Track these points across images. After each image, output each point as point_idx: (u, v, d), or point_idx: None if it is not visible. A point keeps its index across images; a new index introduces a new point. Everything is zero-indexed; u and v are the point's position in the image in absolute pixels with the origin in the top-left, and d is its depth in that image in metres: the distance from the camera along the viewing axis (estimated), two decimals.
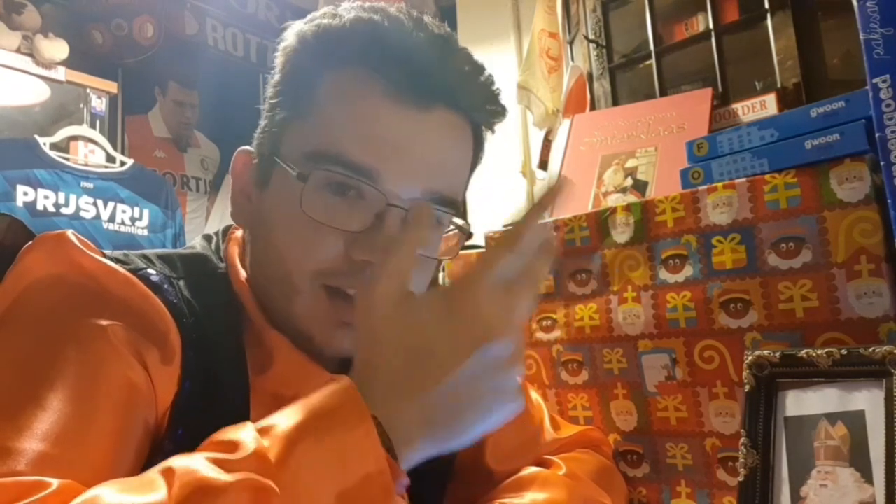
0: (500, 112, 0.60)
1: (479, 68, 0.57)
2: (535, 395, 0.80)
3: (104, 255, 0.51)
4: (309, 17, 0.56)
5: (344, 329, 0.53)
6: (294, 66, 0.56)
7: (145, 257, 0.54)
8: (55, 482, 0.36)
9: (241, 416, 0.51)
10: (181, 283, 0.53)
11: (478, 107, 0.57)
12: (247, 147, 0.59)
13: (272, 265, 0.55)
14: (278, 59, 0.57)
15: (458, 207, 0.57)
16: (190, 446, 0.48)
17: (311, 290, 0.52)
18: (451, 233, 0.58)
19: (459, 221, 0.58)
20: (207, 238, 0.62)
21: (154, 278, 0.51)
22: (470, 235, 0.59)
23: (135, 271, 0.51)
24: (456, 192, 0.57)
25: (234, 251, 0.59)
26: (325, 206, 0.51)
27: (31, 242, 0.50)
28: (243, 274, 0.57)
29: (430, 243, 0.47)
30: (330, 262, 0.52)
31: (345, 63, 0.53)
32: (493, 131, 0.62)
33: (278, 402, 0.53)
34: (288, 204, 0.53)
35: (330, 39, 0.54)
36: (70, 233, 0.50)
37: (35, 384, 0.42)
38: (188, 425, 0.48)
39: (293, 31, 0.57)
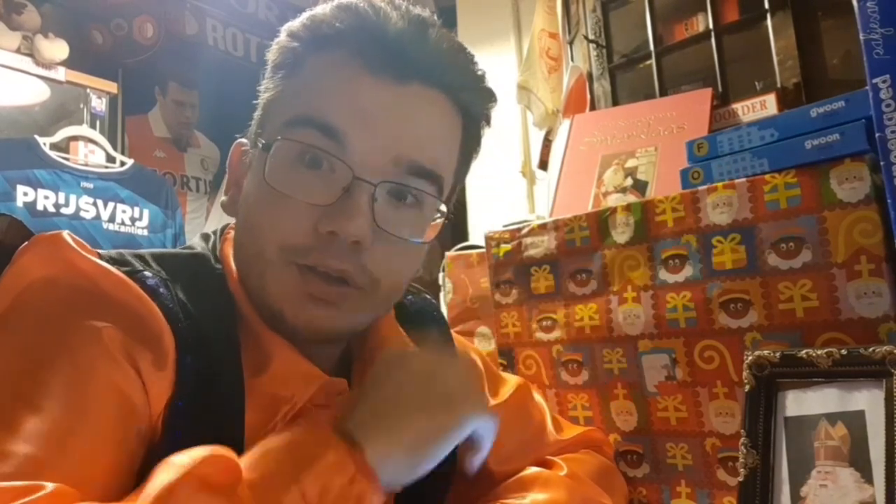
0: (486, 94, 0.59)
1: (459, 48, 0.57)
2: (537, 397, 0.80)
3: (99, 256, 0.51)
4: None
5: (313, 302, 0.53)
6: (282, 55, 0.57)
7: (140, 258, 0.54)
8: (50, 485, 0.36)
9: (238, 418, 0.51)
10: (177, 285, 0.53)
11: (459, 85, 0.57)
12: (242, 139, 0.61)
13: (246, 243, 0.55)
14: (270, 55, 0.59)
15: (440, 184, 0.57)
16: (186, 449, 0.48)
17: (281, 264, 0.52)
18: (437, 220, 0.58)
19: (442, 208, 0.57)
20: (205, 237, 0.62)
21: (150, 281, 0.51)
22: (447, 217, 0.59)
23: (131, 274, 0.50)
24: (437, 165, 0.56)
25: (229, 251, 0.59)
26: (290, 177, 0.52)
27: (26, 243, 0.50)
28: (237, 274, 0.57)
29: None
30: (297, 236, 0.52)
31: (325, 45, 0.55)
32: (487, 121, 0.61)
33: (275, 403, 0.53)
34: (259, 179, 0.54)
35: (314, 26, 0.56)
36: (65, 233, 0.50)
37: (28, 386, 0.42)
38: (185, 429, 0.48)
39: (284, 27, 0.58)
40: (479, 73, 0.59)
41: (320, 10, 0.56)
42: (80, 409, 0.43)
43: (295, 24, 0.57)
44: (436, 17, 0.57)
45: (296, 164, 0.53)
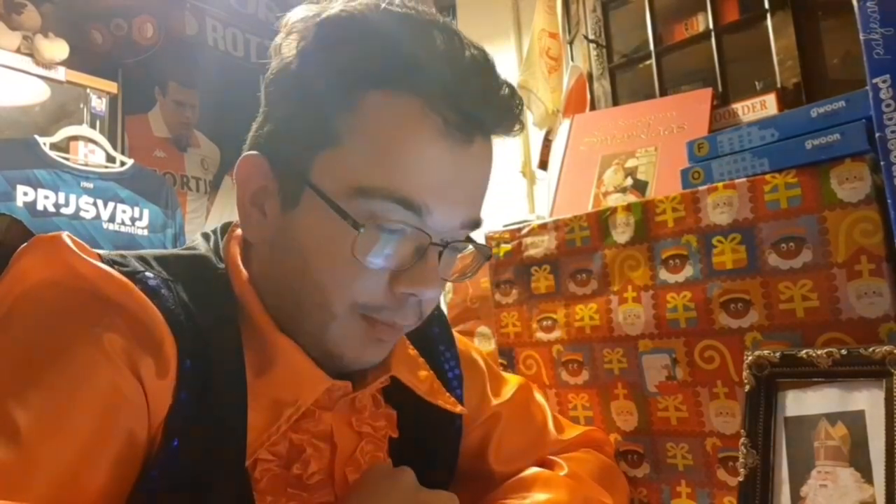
0: (521, 130, 0.60)
1: (513, 94, 0.56)
2: (538, 397, 0.80)
3: (100, 258, 0.50)
4: (323, 13, 0.52)
5: (374, 345, 0.56)
6: (318, 72, 0.52)
7: (142, 259, 0.53)
8: None
9: (240, 421, 0.50)
10: (179, 286, 0.52)
11: (505, 128, 0.57)
12: (253, 152, 0.54)
13: (308, 293, 0.53)
14: (291, 57, 0.53)
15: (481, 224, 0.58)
16: (185, 456, 0.47)
17: (350, 317, 0.53)
18: (466, 252, 0.59)
19: (480, 245, 0.59)
20: (205, 236, 0.61)
21: (151, 282, 0.50)
22: (489, 258, 0.61)
23: (132, 275, 0.50)
24: (481, 210, 0.58)
25: (236, 251, 0.58)
26: (372, 248, 0.51)
27: (25, 245, 0.49)
28: (245, 274, 0.56)
29: None
30: (371, 297, 0.53)
31: (389, 84, 0.51)
32: None
33: (279, 406, 0.52)
34: (330, 239, 0.51)
35: (368, 52, 0.51)
36: (65, 235, 0.49)
37: (25, 391, 0.42)
38: (184, 435, 0.48)
39: (312, 31, 0.52)
40: (521, 111, 0.57)
41: (372, 31, 0.51)
42: (75, 414, 0.43)
43: (331, 35, 0.52)
44: (492, 59, 0.54)
45: (371, 232, 0.51)
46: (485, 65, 0.53)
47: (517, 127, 0.57)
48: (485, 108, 0.53)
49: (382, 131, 0.50)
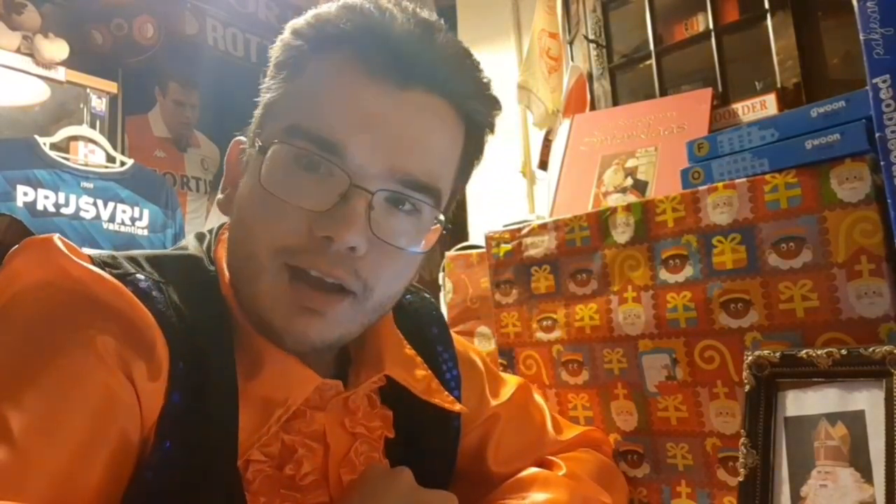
0: (490, 102, 0.58)
1: (464, 53, 0.56)
2: (537, 397, 0.80)
3: (91, 260, 0.50)
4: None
5: (303, 313, 0.52)
6: (285, 54, 0.56)
7: (133, 260, 0.53)
8: None
9: (231, 423, 0.50)
10: (170, 288, 0.52)
11: (464, 93, 0.56)
12: (241, 137, 0.59)
13: (239, 245, 0.54)
14: (273, 52, 0.58)
15: (437, 196, 0.55)
16: (178, 457, 0.47)
17: (274, 268, 0.51)
18: (435, 227, 0.56)
19: (441, 217, 0.56)
20: (200, 237, 0.61)
21: (142, 284, 0.50)
22: (444, 227, 0.57)
23: (123, 277, 0.50)
24: (433, 178, 0.54)
25: (223, 254, 0.58)
26: (286, 181, 0.51)
27: (16, 247, 0.49)
28: (227, 276, 0.56)
29: None
30: (291, 238, 0.51)
31: (329, 46, 0.54)
32: (491, 129, 0.60)
33: (269, 406, 0.52)
34: (254, 180, 0.53)
35: (318, 25, 0.55)
36: (56, 237, 0.49)
37: (17, 390, 0.42)
38: (176, 437, 0.48)
39: (289, 24, 0.57)
40: (485, 80, 0.57)
41: (326, 9, 0.55)
42: (61, 415, 0.43)
43: (300, 22, 0.56)
44: (441, 21, 0.55)
45: (292, 167, 0.52)
46: (427, 23, 0.54)
47: (473, 90, 0.56)
48: (417, 55, 0.52)
49: (313, 83, 0.54)
